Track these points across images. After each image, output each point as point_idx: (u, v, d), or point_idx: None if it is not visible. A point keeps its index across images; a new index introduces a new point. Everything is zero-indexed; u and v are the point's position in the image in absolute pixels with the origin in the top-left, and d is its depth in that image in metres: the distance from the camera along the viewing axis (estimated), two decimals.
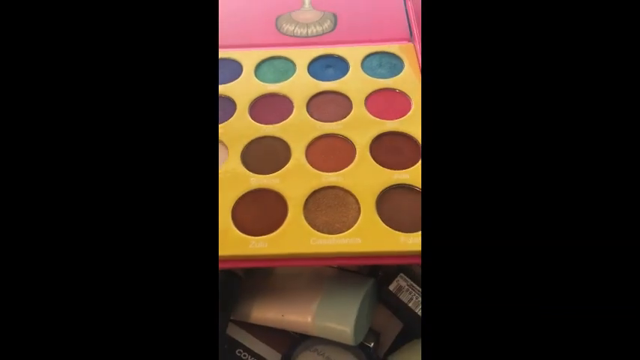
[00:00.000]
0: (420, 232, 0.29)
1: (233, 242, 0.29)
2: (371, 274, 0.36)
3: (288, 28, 0.45)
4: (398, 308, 0.34)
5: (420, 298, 0.32)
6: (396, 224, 0.30)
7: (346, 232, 0.29)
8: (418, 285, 0.33)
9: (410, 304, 0.32)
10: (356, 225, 0.30)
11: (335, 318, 0.31)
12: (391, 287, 0.33)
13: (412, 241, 0.29)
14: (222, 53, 0.42)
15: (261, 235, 0.30)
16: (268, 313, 0.34)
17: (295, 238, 0.29)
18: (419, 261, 0.29)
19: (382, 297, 0.35)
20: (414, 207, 0.31)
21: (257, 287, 0.35)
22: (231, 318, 0.35)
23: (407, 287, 0.33)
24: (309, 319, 0.32)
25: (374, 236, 0.29)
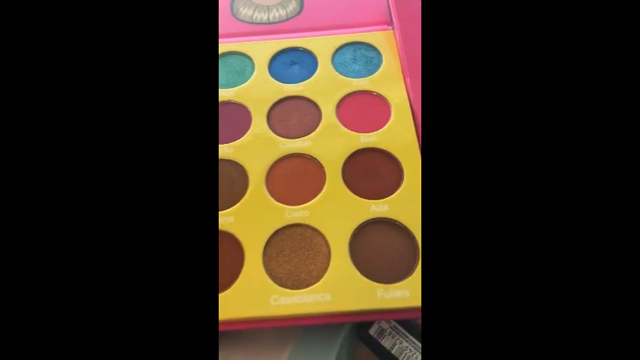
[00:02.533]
0: (404, 282, 0.24)
1: None
2: None
3: (246, 12, 0.38)
4: (380, 353, 0.30)
5: (404, 343, 0.28)
6: (374, 273, 0.25)
7: (314, 286, 0.25)
8: (403, 327, 0.29)
9: (393, 351, 0.28)
10: (325, 275, 0.25)
11: None
12: (371, 331, 0.29)
13: (393, 296, 0.24)
14: None
15: None
16: None
17: (252, 296, 0.24)
18: (406, 316, 0.25)
19: (362, 339, 0.31)
20: (395, 248, 0.26)
21: None
22: None
23: (389, 330, 0.29)
24: None
25: (347, 290, 0.24)
